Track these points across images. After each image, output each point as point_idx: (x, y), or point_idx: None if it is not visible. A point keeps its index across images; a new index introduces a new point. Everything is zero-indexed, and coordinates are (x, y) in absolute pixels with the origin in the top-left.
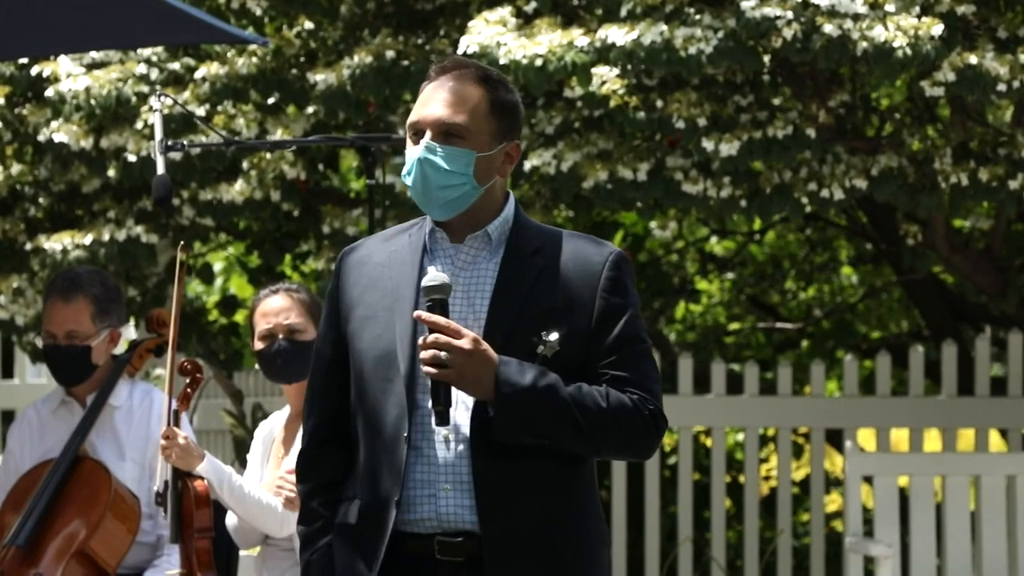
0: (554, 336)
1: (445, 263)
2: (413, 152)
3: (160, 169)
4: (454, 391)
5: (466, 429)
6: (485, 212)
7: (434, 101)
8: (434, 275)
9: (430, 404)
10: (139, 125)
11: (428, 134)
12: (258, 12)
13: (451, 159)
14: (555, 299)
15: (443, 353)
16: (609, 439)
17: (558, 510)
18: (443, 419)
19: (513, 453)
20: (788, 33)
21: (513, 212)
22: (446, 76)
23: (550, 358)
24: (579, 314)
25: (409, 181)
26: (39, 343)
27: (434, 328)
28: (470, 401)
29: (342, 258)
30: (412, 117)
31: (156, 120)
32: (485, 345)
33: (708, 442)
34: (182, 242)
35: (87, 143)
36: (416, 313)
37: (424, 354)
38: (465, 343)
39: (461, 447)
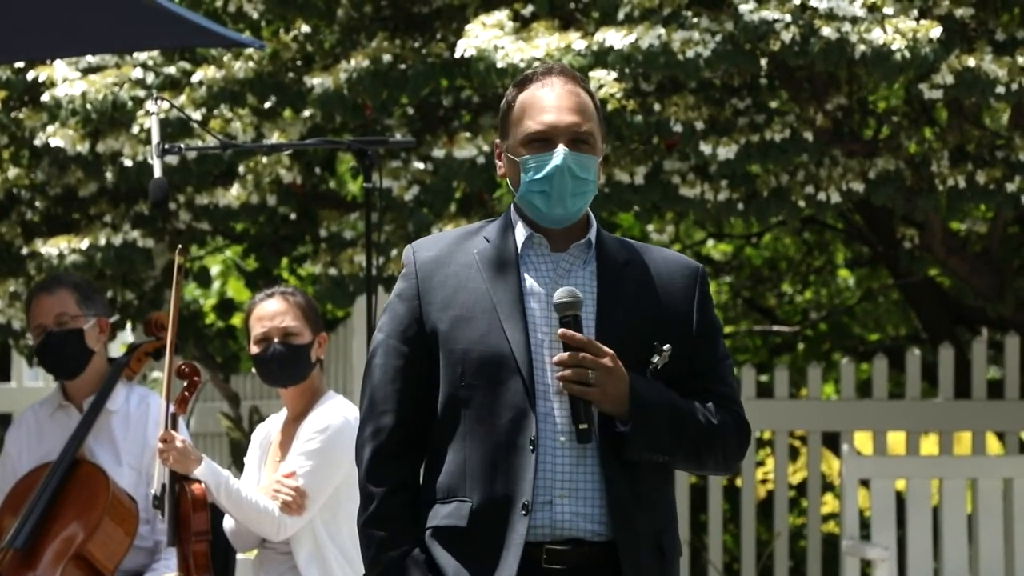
0: (667, 347)
1: (540, 269)
2: (546, 160)
3: (157, 172)
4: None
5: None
6: (582, 219)
7: (558, 108)
8: (566, 291)
9: (554, 409)
10: (135, 129)
11: (561, 141)
12: (255, 16)
13: (584, 167)
14: (657, 311)
15: (590, 371)
16: (715, 456)
17: (664, 520)
18: (586, 437)
19: (634, 465)
20: (786, 36)
21: (594, 220)
22: (556, 82)
23: (659, 369)
24: (679, 327)
25: (545, 188)
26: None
27: (576, 346)
28: (594, 410)
29: (415, 257)
30: (534, 125)
31: (153, 123)
32: (619, 362)
33: None
34: (180, 246)
35: (83, 147)
36: (560, 331)
37: (566, 372)
38: (608, 361)
39: (579, 455)
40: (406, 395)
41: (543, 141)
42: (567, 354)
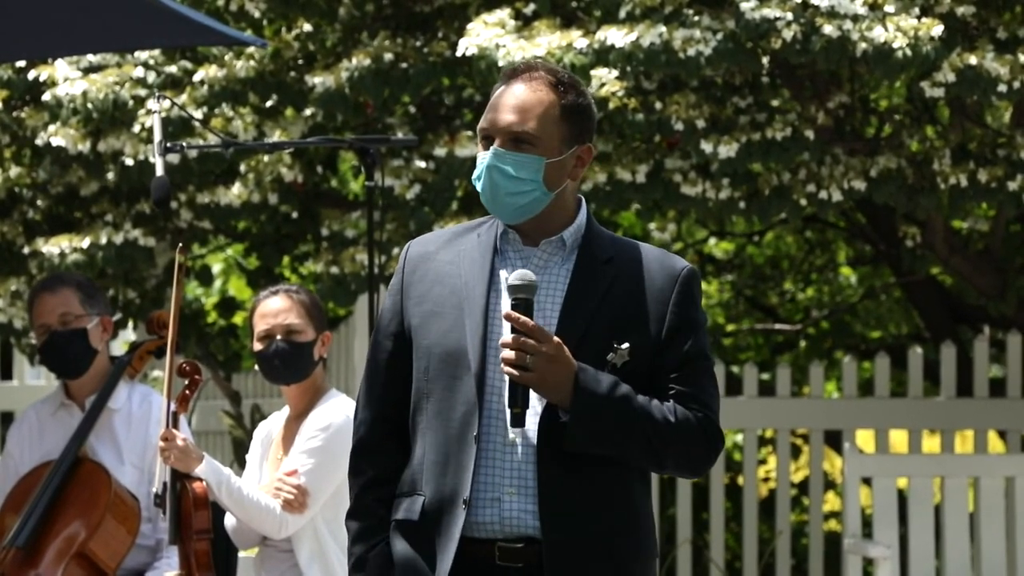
0: (625, 345)
1: (517, 265)
2: (482, 159)
3: (159, 171)
4: (531, 394)
5: (533, 434)
6: (558, 216)
7: (503, 107)
8: (522, 274)
9: (506, 404)
10: (136, 128)
11: (497, 141)
12: (256, 14)
13: (520, 166)
14: (626, 309)
15: (528, 356)
16: (673, 454)
17: (619, 522)
18: (519, 421)
19: (578, 462)
20: (787, 34)
21: (585, 218)
22: (516, 81)
23: (619, 367)
24: (649, 326)
25: (479, 187)
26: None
27: (520, 329)
28: (539, 406)
29: (407, 252)
30: (482, 123)
31: (155, 122)
32: (566, 350)
33: None
34: (180, 244)
35: (85, 147)
36: (505, 312)
37: (507, 354)
38: (550, 347)
39: (527, 451)
40: (387, 390)
41: (487, 140)
42: (510, 336)
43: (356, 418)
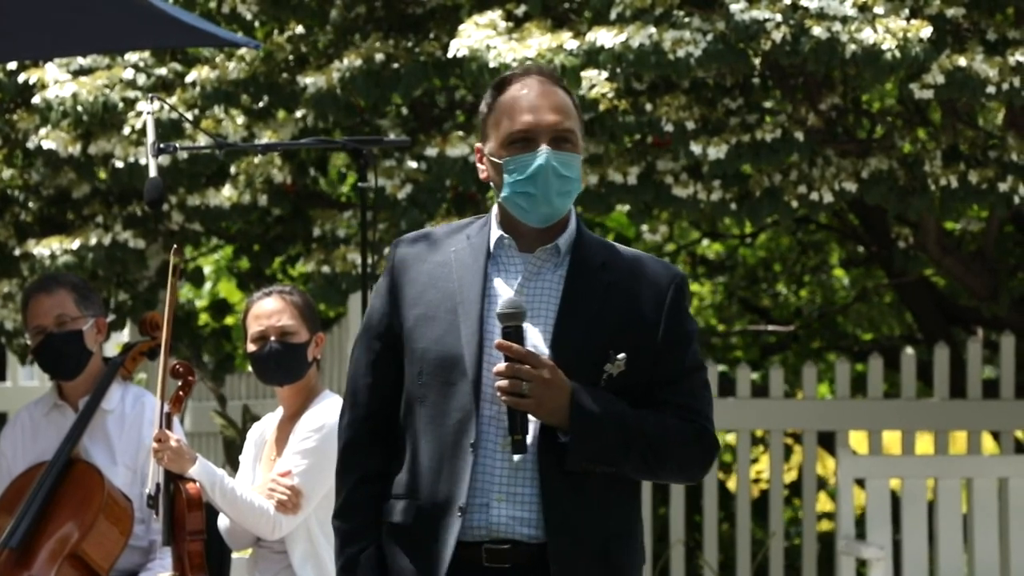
0: (622, 356)
1: (510, 271)
2: (530, 159)
3: (152, 172)
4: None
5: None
6: (561, 220)
7: (539, 107)
8: (510, 301)
9: (502, 412)
10: (127, 131)
11: (544, 140)
12: (248, 16)
13: (567, 165)
14: (622, 318)
15: (524, 383)
16: (669, 467)
17: (615, 529)
18: (520, 447)
19: (576, 472)
20: (777, 36)
21: (575, 223)
22: (533, 82)
23: (615, 377)
24: (645, 335)
25: (529, 189)
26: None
27: (514, 357)
28: (534, 419)
29: (395, 253)
30: (516, 125)
31: (148, 123)
32: (561, 373)
33: None
34: (176, 245)
35: (75, 149)
36: (497, 342)
37: (502, 383)
38: (545, 372)
39: (517, 459)
40: (376, 389)
41: (524, 141)
42: (504, 365)
43: (343, 417)
